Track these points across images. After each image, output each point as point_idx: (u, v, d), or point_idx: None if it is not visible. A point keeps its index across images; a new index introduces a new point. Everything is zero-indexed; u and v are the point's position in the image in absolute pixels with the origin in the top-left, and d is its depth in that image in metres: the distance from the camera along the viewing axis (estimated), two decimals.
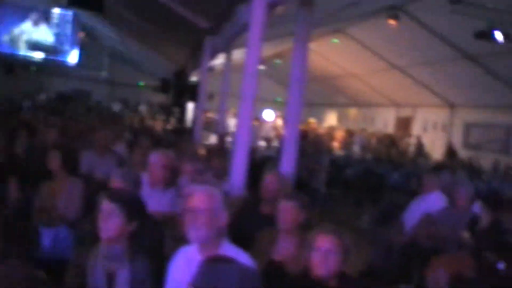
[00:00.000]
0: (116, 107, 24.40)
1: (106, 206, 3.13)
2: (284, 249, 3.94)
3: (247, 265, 2.30)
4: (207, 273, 2.08)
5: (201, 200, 3.08)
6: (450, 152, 15.83)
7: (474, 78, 14.70)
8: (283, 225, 4.00)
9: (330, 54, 19.93)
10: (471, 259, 5.51)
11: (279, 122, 21.04)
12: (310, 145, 9.26)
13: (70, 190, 5.04)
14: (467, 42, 12.20)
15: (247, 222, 4.69)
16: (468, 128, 17.64)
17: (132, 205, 3.20)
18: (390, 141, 19.49)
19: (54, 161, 5.08)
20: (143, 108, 24.63)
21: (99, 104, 24.22)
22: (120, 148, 8.05)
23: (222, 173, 5.97)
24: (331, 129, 22.81)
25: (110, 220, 3.09)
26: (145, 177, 4.69)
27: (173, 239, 3.58)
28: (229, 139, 13.00)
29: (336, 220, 9.22)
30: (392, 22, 12.73)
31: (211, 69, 13.40)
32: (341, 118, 27.41)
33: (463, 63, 14.11)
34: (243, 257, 2.95)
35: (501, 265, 5.22)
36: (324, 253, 3.09)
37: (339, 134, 21.09)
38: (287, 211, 3.97)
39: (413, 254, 6.28)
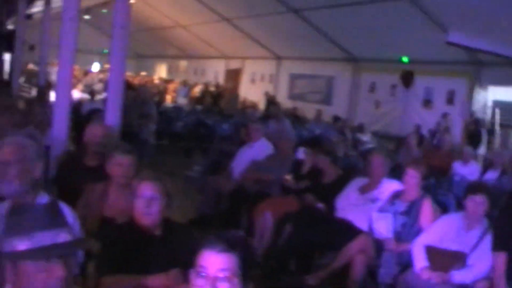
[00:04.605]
0: None
1: None
2: (115, 203, 3.79)
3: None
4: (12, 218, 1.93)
5: (11, 152, 2.87)
6: (270, 102, 16.51)
7: (299, 31, 15.27)
8: (117, 179, 3.84)
9: (159, 4, 19.56)
10: (294, 200, 5.85)
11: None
12: (138, 96, 9.06)
13: None
14: None
15: (71, 175, 4.50)
16: (292, 79, 18.44)
17: None
18: (217, 93, 19.88)
19: None
20: None
21: None
22: None
23: (44, 126, 5.63)
24: (162, 81, 22.70)
25: None
26: None
27: None
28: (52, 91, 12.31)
29: (167, 170, 9.21)
30: None
31: (29, 17, 12.46)
32: (171, 70, 27.25)
33: (288, 16, 14.57)
34: (65, 210, 2.81)
35: (320, 205, 5.61)
36: (147, 200, 3.05)
37: (171, 86, 21.10)
38: (122, 165, 3.82)
39: (241, 200, 6.49)
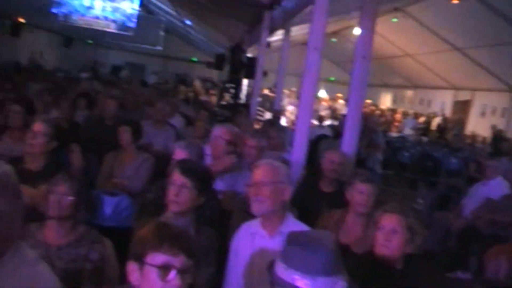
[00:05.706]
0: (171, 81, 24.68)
1: (179, 179, 3.06)
2: (352, 231, 3.82)
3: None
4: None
5: (265, 173, 3.05)
6: (498, 137, 15.40)
7: None
8: (357, 206, 3.84)
9: (388, 33, 19.49)
10: None
11: (341, 102, 21.06)
12: (367, 125, 9.11)
13: (139, 163, 5.18)
14: None
15: (306, 199, 4.67)
16: None
17: (204, 180, 3.15)
18: (444, 125, 19.17)
19: (125, 135, 5.18)
20: (197, 83, 24.73)
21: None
22: (176, 121, 8.09)
23: (278, 149, 5.94)
24: (388, 111, 22.64)
25: (182, 194, 3.04)
26: (206, 150, 4.68)
27: (242, 211, 3.52)
28: (282, 117, 12.96)
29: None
30: (454, 1, 12.33)
31: (268, 45, 13.29)
32: (396, 100, 26.93)
33: None
34: None
35: None
36: (388, 232, 3.02)
37: (397, 116, 20.95)
38: (364, 194, 3.82)
39: (471, 240, 6.13)
